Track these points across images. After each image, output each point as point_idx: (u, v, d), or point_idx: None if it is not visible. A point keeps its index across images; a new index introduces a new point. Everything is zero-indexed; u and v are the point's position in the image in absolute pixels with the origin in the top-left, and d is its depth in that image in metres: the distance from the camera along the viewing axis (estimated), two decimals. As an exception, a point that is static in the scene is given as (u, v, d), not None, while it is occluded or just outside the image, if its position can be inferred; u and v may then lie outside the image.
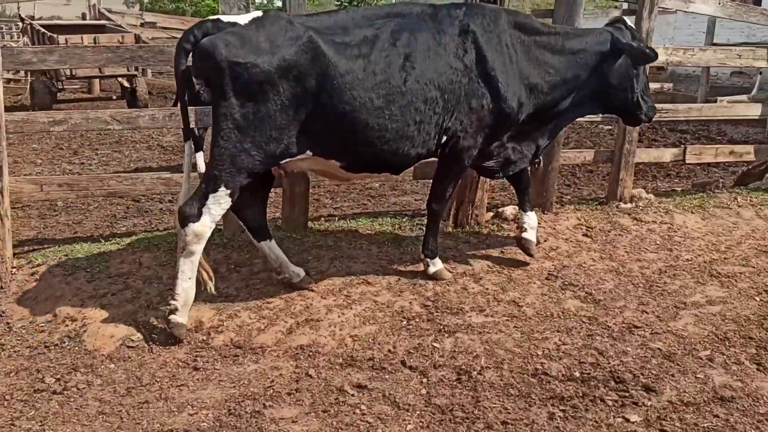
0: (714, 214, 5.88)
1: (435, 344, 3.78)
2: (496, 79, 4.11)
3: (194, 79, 3.81)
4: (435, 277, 4.50)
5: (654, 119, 4.89)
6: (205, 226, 3.75)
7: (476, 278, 4.56)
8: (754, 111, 7.08)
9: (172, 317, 3.76)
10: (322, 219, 5.83)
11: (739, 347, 3.80)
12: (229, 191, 3.75)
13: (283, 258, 4.32)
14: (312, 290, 4.29)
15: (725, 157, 6.87)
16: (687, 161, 6.60)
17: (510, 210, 5.57)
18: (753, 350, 3.76)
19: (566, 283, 4.55)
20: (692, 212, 5.89)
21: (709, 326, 4.04)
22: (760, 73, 13.33)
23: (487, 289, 4.45)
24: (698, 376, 3.49)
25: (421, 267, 4.58)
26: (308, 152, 3.92)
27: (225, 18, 3.83)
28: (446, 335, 3.86)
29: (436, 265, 4.53)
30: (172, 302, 3.77)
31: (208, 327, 3.93)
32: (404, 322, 4.01)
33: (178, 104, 3.91)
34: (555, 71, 4.34)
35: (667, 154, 6.61)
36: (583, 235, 5.34)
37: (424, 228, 4.64)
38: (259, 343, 3.79)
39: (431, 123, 4.05)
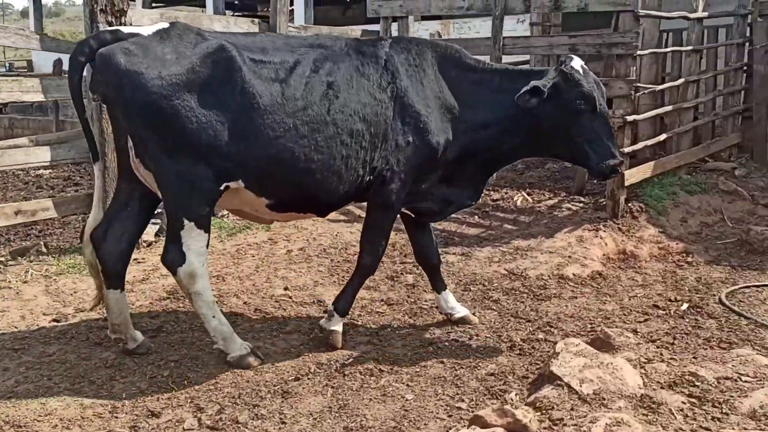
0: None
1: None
2: (419, 116, 3.88)
3: (91, 95, 3.65)
4: (328, 338, 4.09)
5: None
6: (193, 264, 3.64)
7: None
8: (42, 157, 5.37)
9: (229, 357, 3.84)
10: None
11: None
12: (194, 222, 3.61)
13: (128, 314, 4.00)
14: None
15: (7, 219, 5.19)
16: None
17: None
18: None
19: None
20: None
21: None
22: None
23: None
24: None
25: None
26: (240, 181, 3.68)
27: (126, 29, 3.64)
28: None
29: (336, 325, 4.11)
30: (216, 346, 3.87)
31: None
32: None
33: None
34: (485, 110, 4.03)
35: None
36: None
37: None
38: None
39: (359, 159, 3.82)
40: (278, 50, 3.72)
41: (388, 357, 4.03)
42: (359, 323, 4.53)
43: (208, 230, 3.70)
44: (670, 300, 5.02)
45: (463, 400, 3.53)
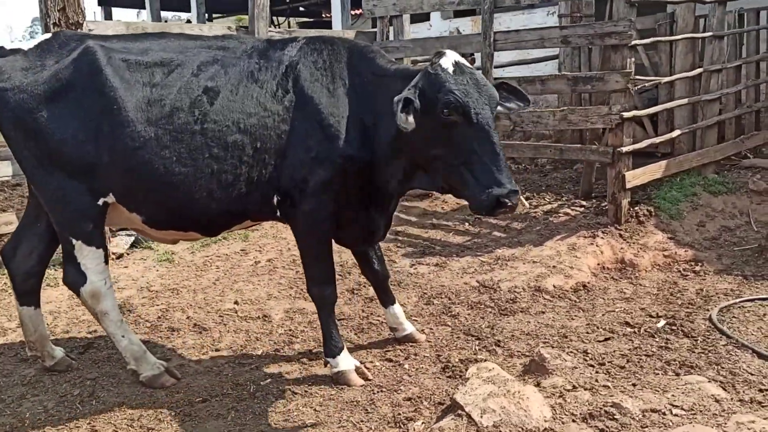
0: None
1: None
2: (324, 127, 3.42)
3: None
4: (340, 382, 3.65)
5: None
6: (94, 283, 3.52)
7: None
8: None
9: (142, 377, 3.70)
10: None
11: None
12: (83, 241, 3.45)
13: (45, 331, 3.91)
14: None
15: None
16: None
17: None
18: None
19: None
20: None
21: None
22: None
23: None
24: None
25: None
26: (110, 195, 3.47)
27: (9, 46, 3.46)
28: None
29: (338, 366, 3.67)
30: (128, 367, 3.73)
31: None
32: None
33: None
34: (387, 122, 3.36)
35: None
36: None
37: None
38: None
39: (237, 174, 3.41)
40: (164, 51, 3.44)
41: (310, 378, 3.79)
42: (298, 339, 4.31)
43: (100, 246, 3.53)
44: (650, 316, 4.54)
45: (361, 429, 3.25)
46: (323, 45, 3.64)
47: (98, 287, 3.54)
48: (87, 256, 3.49)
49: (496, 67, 10.70)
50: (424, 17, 14.72)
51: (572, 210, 6.47)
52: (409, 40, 7.60)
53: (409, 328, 4.23)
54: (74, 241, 3.47)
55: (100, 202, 3.46)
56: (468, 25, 13.00)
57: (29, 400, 3.66)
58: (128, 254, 5.84)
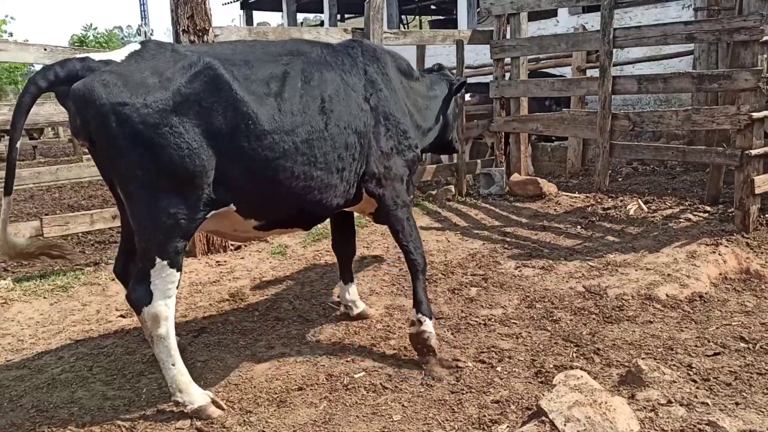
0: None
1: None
2: (400, 122, 4.05)
3: (76, 139, 3.24)
4: (420, 342, 4.00)
5: None
6: (159, 306, 3.33)
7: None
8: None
9: (188, 409, 3.48)
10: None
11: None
12: (169, 262, 3.30)
13: None
14: None
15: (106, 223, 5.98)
16: (46, 234, 5.59)
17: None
18: None
19: None
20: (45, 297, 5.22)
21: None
22: None
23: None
24: None
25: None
26: (231, 206, 3.46)
27: (97, 55, 3.23)
28: None
29: (422, 326, 4.02)
30: (173, 398, 3.51)
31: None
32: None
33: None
34: (426, 115, 4.56)
35: (26, 230, 5.57)
36: None
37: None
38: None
39: (352, 170, 3.80)
40: (261, 61, 3.52)
41: (401, 375, 3.86)
42: (395, 335, 4.40)
43: (180, 270, 3.42)
44: (772, 332, 4.22)
45: (444, 428, 3.28)
46: (376, 52, 4.19)
47: (162, 311, 3.36)
48: (165, 278, 3.34)
49: (624, 63, 10.31)
50: (551, 13, 14.36)
51: (695, 215, 6.11)
52: (525, 39, 7.47)
53: (361, 306, 4.69)
54: (158, 261, 3.30)
55: (210, 214, 3.41)
56: (597, 21, 12.50)
57: (146, 376, 3.99)
58: (246, 246, 6.19)
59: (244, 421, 3.46)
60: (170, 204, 3.23)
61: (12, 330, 4.68)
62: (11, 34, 29.23)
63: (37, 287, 5.46)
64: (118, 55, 3.24)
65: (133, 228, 3.33)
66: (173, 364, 3.46)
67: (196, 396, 3.50)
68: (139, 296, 3.34)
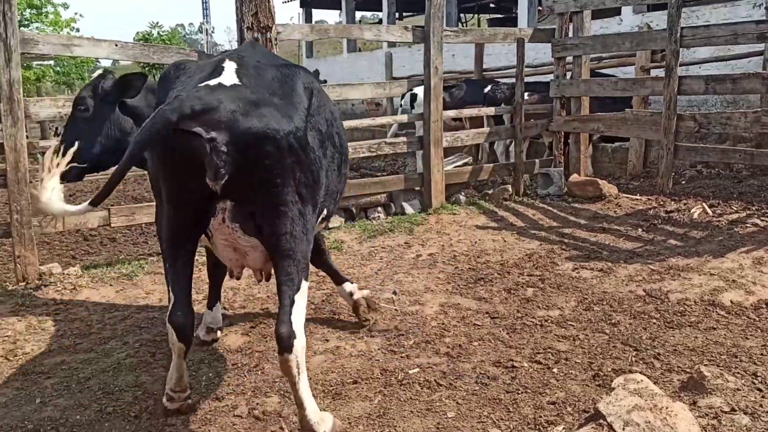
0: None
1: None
2: None
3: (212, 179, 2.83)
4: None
5: None
6: (302, 336, 3.00)
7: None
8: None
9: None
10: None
11: None
12: (306, 280, 3.09)
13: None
14: None
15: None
16: (113, 224, 5.98)
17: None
18: None
19: None
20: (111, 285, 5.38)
21: None
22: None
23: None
24: None
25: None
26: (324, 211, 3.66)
27: (212, 82, 2.98)
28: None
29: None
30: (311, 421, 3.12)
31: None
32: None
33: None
34: None
35: (94, 219, 5.87)
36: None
37: None
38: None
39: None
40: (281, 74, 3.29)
41: (455, 372, 3.86)
42: (449, 333, 4.39)
43: None
44: (844, 343, 4.05)
45: (500, 427, 3.26)
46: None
47: (304, 340, 3.04)
48: (304, 298, 3.08)
49: (690, 63, 10.01)
50: (614, 11, 14.07)
51: (762, 220, 5.91)
52: (588, 37, 7.35)
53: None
54: (304, 284, 3.06)
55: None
56: (662, 20, 12.19)
57: (206, 364, 4.10)
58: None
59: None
60: (312, 220, 3.16)
61: (81, 315, 4.88)
62: (78, 30, 30.40)
63: (104, 275, 5.67)
64: (228, 78, 3.02)
65: (279, 254, 3.00)
66: (312, 400, 3.16)
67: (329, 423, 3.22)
68: (291, 330, 2.95)
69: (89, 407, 3.57)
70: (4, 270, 6.25)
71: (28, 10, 25.93)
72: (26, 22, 25.70)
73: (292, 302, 2.99)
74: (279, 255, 3.01)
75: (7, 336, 4.53)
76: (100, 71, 4.71)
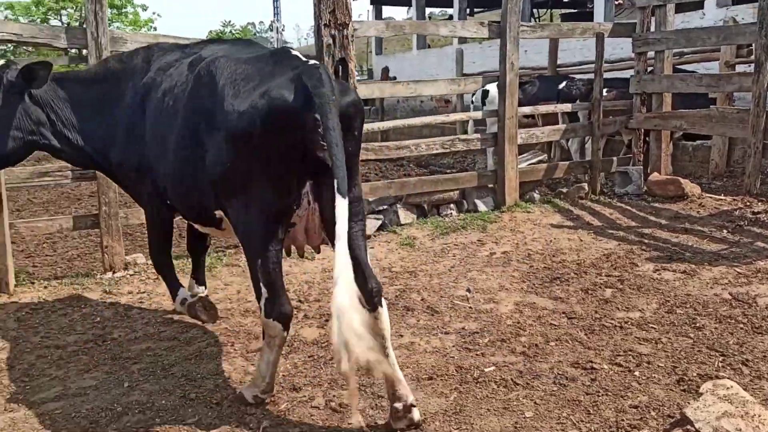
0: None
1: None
2: None
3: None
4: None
5: None
6: None
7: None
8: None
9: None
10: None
11: None
12: None
13: None
14: None
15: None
16: None
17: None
18: None
19: None
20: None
21: None
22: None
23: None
24: None
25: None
26: None
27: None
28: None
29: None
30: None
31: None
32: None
33: None
34: None
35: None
36: None
37: None
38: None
39: None
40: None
41: (533, 372, 3.81)
42: (525, 332, 4.33)
43: None
44: None
45: (580, 429, 3.20)
46: None
47: None
48: None
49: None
50: (697, 5, 13.54)
51: None
52: (671, 32, 7.10)
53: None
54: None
55: None
56: (749, 14, 11.67)
57: (285, 357, 4.15)
58: (375, 236, 6.31)
59: (376, 405, 3.54)
60: None
61: (164, 305, 5.05)
62: (155, 29, 31.56)
63: (185, 266, 5.83)
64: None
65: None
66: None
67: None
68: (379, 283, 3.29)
69: (173, 393, 3.69)
70: (92, 260, 6.53)
71: (109, 10, 27.12)
72: (108, 22, 26.88)
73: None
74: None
75: (96, 322, 4.74)
76: (1, 62, 4.39)
